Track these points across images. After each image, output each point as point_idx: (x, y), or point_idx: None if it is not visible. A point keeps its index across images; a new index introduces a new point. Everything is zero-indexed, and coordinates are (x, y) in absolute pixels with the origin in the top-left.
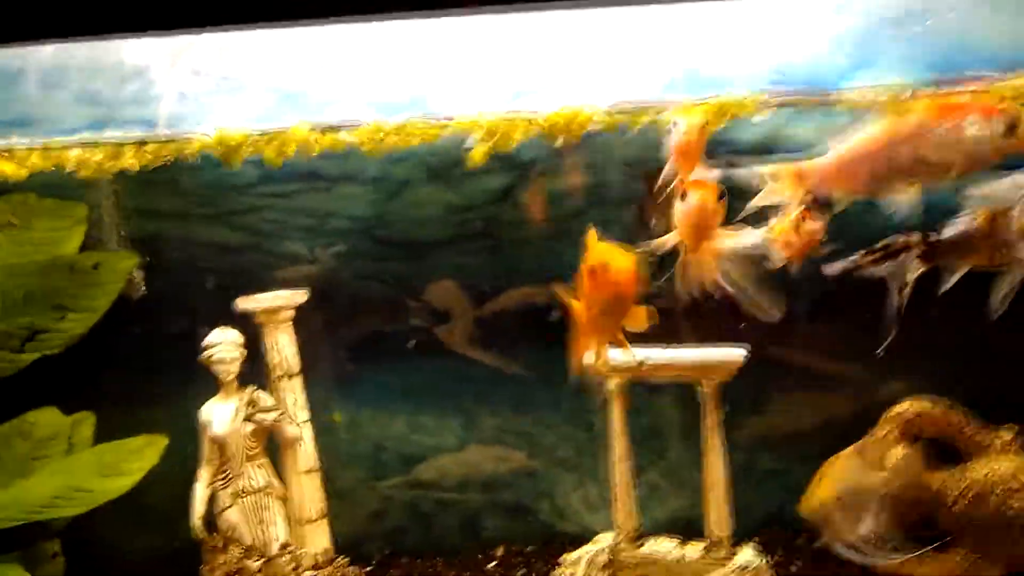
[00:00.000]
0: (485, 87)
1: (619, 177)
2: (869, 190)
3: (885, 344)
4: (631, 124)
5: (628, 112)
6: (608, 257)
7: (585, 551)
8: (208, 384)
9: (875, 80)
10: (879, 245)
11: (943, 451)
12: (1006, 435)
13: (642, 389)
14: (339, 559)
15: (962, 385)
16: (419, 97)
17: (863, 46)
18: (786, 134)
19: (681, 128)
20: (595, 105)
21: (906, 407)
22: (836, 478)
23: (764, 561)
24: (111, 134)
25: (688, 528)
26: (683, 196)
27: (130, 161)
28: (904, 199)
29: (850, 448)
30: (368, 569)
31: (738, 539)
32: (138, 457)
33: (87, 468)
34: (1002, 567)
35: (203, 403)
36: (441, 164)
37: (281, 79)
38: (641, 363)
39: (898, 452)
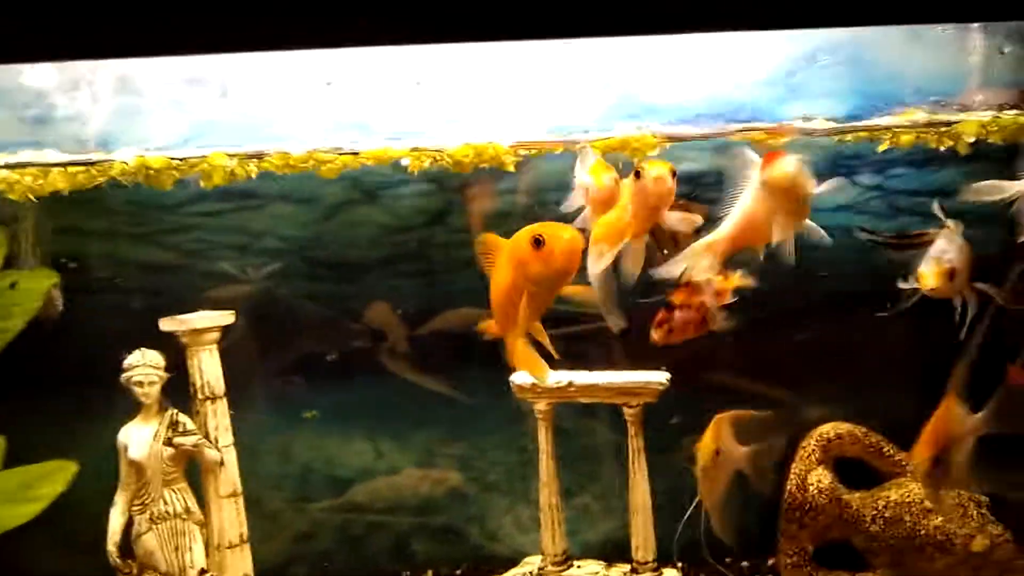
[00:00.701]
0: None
1: (555, 198)
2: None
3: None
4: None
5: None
6: (553, 230)
7: (511, 574)
8: (129, 407)
9: (806, 112)
10: (913, 232)
11: (863, 475)
12: None
13: (576, 413)
14: None
15: (882, 413)
16: (360, 123)
17: (795, 79)
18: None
19: (592, 183)
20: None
21: (827, 429)
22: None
23: None
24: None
25: (619, 551)
26: (636, 175)
27: (60, 184)
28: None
29: None
30: None
31: (664, 562)
32: (48, 483)
33: None
34: None
35: (123, 426)
36: (375, 185)
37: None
38: (569, 384)
39: (818, 472)
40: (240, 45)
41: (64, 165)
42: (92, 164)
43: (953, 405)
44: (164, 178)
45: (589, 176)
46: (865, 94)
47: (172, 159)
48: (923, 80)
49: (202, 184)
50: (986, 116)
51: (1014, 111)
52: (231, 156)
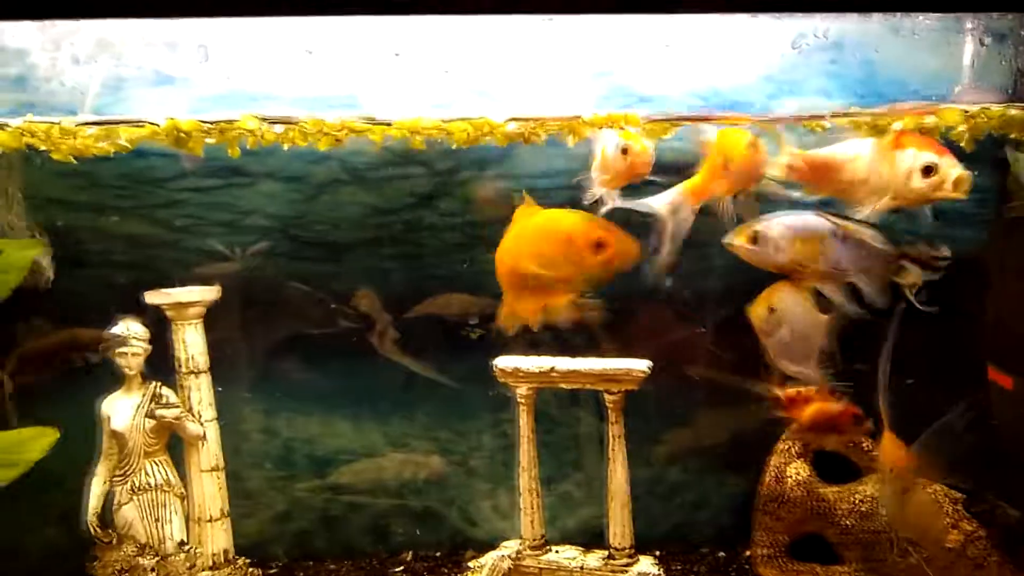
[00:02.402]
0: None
1: (544, 184)
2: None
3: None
4: (561, 134)
5: (558, 124)
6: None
7: (489, 558)
8: (113, 378)
9: (798, 107)
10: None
11: (841, 469)
12: None
13: (560, 400)
14: (239, 560)
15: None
16: (349, 96)
17: (788, 73)
18: None
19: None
20: (519, 115)
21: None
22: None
23: (661, 571)
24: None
25: (598, 538)
26: (624, 152)
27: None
28: None
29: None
30: (272, 572)
31: (643, 549)
32: (27, 448)
33: None
34: None
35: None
36: (363, 166)
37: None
38: (551, 370)
39: (797, 465)
40: (223, 9)
41: (98, 124)
42: (117, 124)
43: (888, 439)
44: (194, 143)
45: (628, 141)
46: (856, 92)
47: (203, 122)
48: (915, 78)
49: (229, 153)
50: (974, 108)
51: (1003, 105)
52: (262, 120)
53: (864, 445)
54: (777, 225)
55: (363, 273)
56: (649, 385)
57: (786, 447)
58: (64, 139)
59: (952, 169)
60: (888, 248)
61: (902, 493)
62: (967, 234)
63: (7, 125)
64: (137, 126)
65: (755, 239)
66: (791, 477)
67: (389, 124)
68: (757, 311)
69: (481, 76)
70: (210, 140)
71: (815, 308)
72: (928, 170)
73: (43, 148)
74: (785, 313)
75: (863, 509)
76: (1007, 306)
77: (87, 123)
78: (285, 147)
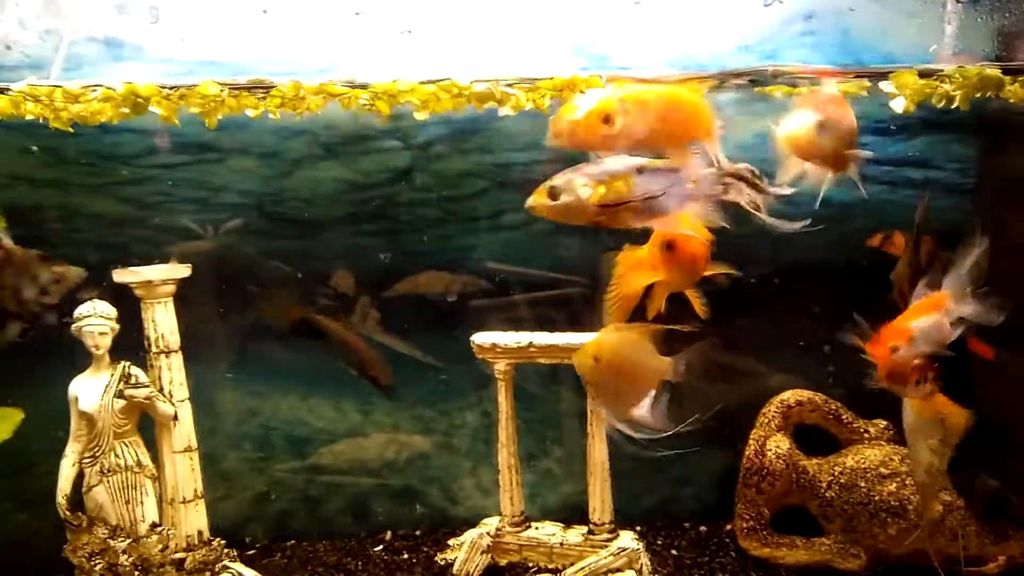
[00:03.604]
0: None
1: (520, 158)
2: None
3: None
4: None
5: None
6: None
7: (468, 535)
8: (83, 359)
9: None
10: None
11: (822, 442)
12: (879, 424)
13: (541, 377)
14: (215, 541)
15: (842, 383)
16: (330, 64)
17: (766, 42)
18: None
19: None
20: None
21: (788, 396)
22: (611, 351)
23: (641, 546)
24: None
25: (579, 514)
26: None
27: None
28: None
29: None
30: (250, 552)
31: (625, 525)
32: None
33: None
34: (866, 553)
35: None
36: (337, 140)
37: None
38: (529, 345)
39: (777, 438)
40: None
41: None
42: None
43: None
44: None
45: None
46: (835, 60)
47: (162, 87)
48: (892, 44)
49: (207, 124)
50: (950, 68)
51: (981, 64)
52: (224, 87)
53: (845, 418)
54: (574, 176)
55: (340, 250)
56: None
57: (766, 420)
58: (67, 103)
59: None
60: (711, 171)
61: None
62: (950, 203)
63: (8, 89)
64: (93, 91)
65: (554, 194)
66: (771, 450)
67: (366, 87)
68: (582, 360)
69: (455, 46)
70: (192, 109)
71: (651, 351)
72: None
73: (43, 115)
74: (612, 362)
75: (844, 481)
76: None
77: (90, 85)
78: (253, 114)
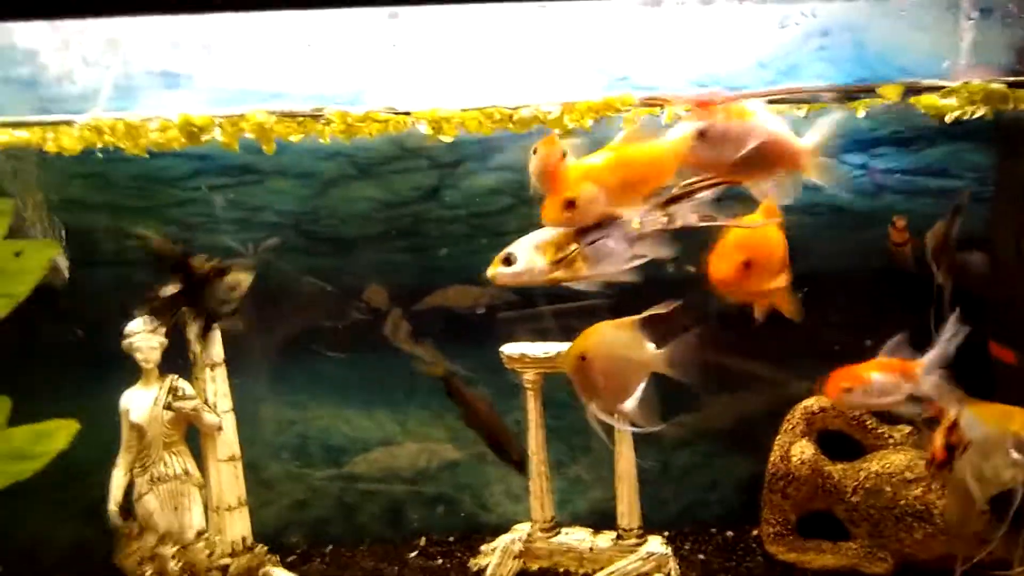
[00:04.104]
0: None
1: None
2: None
3: None
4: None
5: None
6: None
7: (500, 541)
8: (132, 373)
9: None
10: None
11: (846, 447)
12: (903, 430)
13: (569, 386)
14: (258, 547)
15: None
16: (359, 92)
17: (784, 59)
18: None
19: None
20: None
21: (812, 402)
22: (597, 348)
23: (669, 550)
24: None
25: (608, 520)
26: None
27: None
28: None
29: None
30: (290, 559)
31: (653, 531)
32: (48, 441)
33: None
34: (893, 557)
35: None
36: (370, 161)
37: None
38: (556, 355)
39: (802, 444)
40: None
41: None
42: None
43: None
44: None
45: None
46: (852, 75)
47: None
48: (906, 57)
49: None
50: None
51: (984, 80)
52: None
53: (869, 423)
54: (526, 243)
55: (372, 266)
56: None
57: (790, 427)
58: (129, 134)
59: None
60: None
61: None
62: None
63: (73, 122)
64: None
65: (509, 262)
66: (796, 456)
67: (408, 114)
68: (568, 360)
69: (479, 69)
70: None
71: (639, 345)
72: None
73: (111, 144)
74: (598, 358)
75: (869, 485)
76: (1010, 281)
77: (147, 119)
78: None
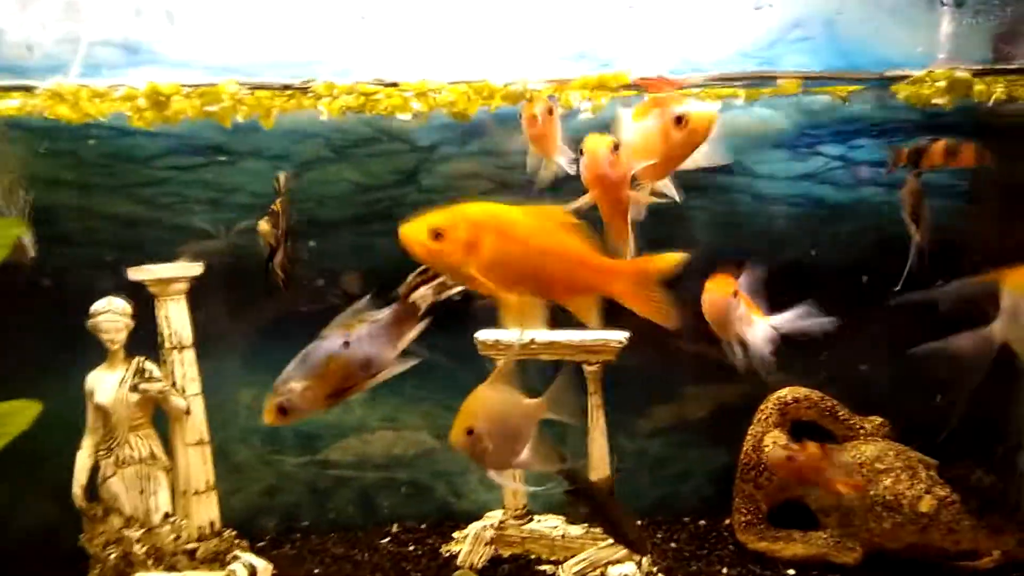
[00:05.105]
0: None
1: (521, 161)
2: None
3: None
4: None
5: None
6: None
7: (473, 528)
8: (98, 353)
9: None
10: None
11: (817, 438)
12: (874, 421)
13: (547, 372)
14: (226, 532)
15: (838, 381)
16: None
17: (765, 48)
18: None
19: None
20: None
21: (785, 393)
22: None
23: None
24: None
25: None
26: (581, 151)
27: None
28: None
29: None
30: (260, 544)
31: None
32: (10, 421)
33: None
34: (862, 546)
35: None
36: (346, 143)
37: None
38: (531, 342)
39: (774, 434)
40: None
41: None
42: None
43: None
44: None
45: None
46: (832, 66)
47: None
48: (887, 49)
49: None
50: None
51: (950, 67)
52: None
53: (841, 414)
54: (289, 380)
55: (349, 250)
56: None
57: (763, 417)
58: (91, 101)
59: (701, 111)
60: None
61: None
62: (946, 204)
63: (35, 88)
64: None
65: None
66: (768, 446)
67: (396, 85)
68: (457, 438)
69: (460, 54)
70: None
71: (518, 400)
72: (679, 120)
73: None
74: (484, 427)
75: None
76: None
77: (115, 85)
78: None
